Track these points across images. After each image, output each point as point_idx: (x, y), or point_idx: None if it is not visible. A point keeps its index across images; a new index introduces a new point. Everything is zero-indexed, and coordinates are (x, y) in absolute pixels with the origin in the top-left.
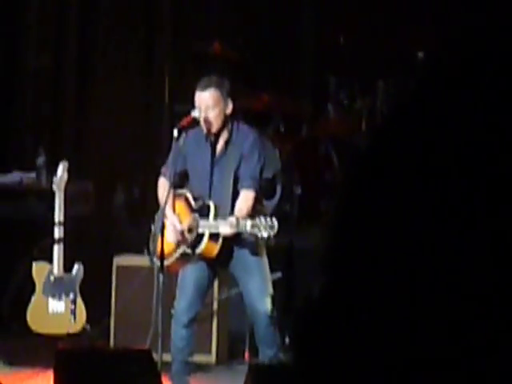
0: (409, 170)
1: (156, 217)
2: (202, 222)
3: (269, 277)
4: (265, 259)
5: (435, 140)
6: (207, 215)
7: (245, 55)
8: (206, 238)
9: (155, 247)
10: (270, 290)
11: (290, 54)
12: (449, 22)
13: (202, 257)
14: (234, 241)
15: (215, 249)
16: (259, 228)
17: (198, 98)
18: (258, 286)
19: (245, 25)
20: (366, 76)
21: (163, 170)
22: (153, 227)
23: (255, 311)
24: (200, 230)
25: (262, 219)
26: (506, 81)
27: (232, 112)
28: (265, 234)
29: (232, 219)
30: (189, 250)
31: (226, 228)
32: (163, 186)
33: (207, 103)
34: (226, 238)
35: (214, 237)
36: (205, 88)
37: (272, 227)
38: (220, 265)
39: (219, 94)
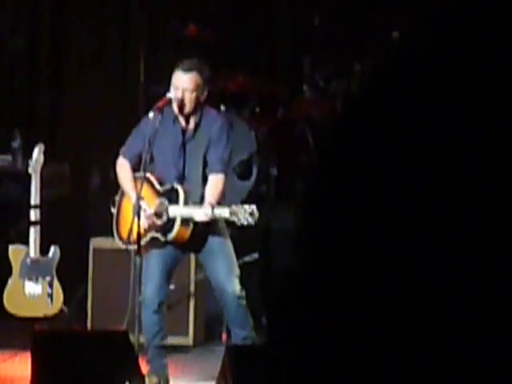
0: (382, 151)
1: (116, 198)
2: (173, 208)
3: (234, 258)
4: (228, 241)
5: (409, 121)
6: (176, 200)
7: (220, 37)
8: (177, 224)
9: (119, 230)
10: (237, 271)
11: (265, 35)
12: (424, 2)
13: (173, 242)
14: (206, 226)
15: (186, 234)
16: (238, 216)
17: (177, 78)
18: (225, 268)
19: (220, 6)
20: (341, 57)
21: (122, 150)
22: (114, 210)
23: (224, 293)
24: (170, 215)
25: (240, 206)
26: (482, 60)
27: (206, 98)
28: (244, 222)
29: (207, 205)
30: (159, 235)
31: (200, 214)
32: (124, 167)
33: (186, 85)
34: (196, 223)
35: (185, 222)
36: (187, 70)
37: (252, 214)
38: (186, 249)
39: (200, 79)
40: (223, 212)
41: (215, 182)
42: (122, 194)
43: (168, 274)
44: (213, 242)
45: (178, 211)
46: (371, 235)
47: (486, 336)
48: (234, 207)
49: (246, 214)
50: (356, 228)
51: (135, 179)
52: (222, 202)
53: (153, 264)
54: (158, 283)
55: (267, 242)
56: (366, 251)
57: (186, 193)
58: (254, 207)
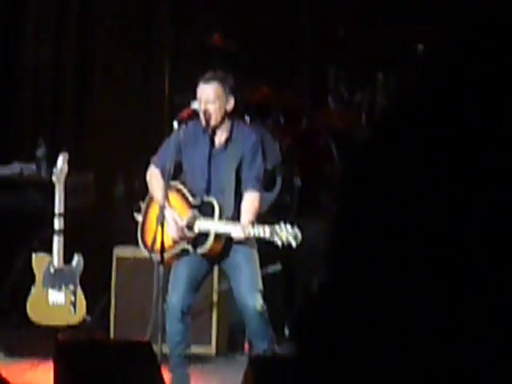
0: (409, 165)
1: (142, 206)
2: (207, 222)
3: (259, 272)
4: (255, 255)
5: (436, 135)
6: (210, 214)
7: (244, 47)
8: (211, 238)
9: (145, 239)
10: (260, 285)
11: (290, 45)
12: (449, 15)
13: (206, 255)
14: (237, 241)
15: (219, 248)
16: (279, 236)
17: (200, 90)
18: (247, 283)
19: (245, 16)
20: (366, 68)
21: (154, 159)
22: (139, 217)
23: (245, 307)
24: (203, 229)
25: (283, 226)
26: (508, 75)
27: (233, 109)
28: (285, 243)
29: (246, 225)
30: (188, 246)
31: (237, 231)
32: (154, 175)
33: (208, 96)
34: (229, 238)
35: (218, 237)
36: (208, 81)
37: (295, 237)
38: (213, 261)
39: (221, 89)
40: (263, 231)
41: (251, 200)
42: (149, 201)
43: (195, 285)
44: (239, 255)
45: (212, 226)
46: (400, 250)
47: (489, 337)
48: (276, 227)
49: (288, 235)
50: (385, 242)
51: (167, 189)
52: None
53: (180, 273)
54: (183, 292)
55: (290, 253)
56: (394, 266)
57: (221, 208)
58: (296, 230)
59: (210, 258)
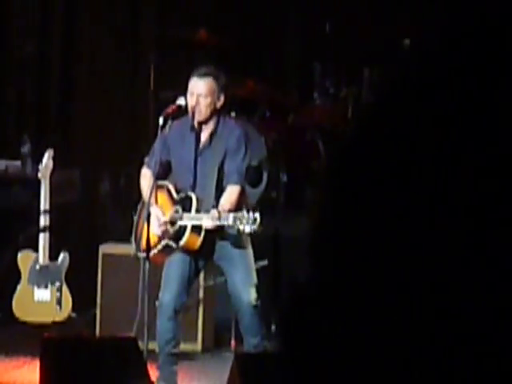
0: (394, 159)
1: (138, 207)
2: (185, 215)
3: (253, 267)
4: (249, 250)
5: (422, 129)
6: (190, 208)
7: (230, 42)
8: (188, 231)
9: (137, 238)
10: (255, 279)
11: (276, 41)
12: (436, 10)
13: (185, 249)
14: (218, 234)
15: (197, 241)
16: (241, 222)
17: (192, 84)
18: (242, 277)
19: (230, 12)
20: (351, 64)
21: (146, 160)
22: (135, 218)
23: (239, 301)
24: (182, 223)
25: (245, 213)
26: (494, 69)
27: (222, 106)
28: (247, 229)
29: (214, 212)
30: (171, 243)
31: (208, 221)
32: (146, 176)
33: (201, 91)
34: (208, 231)
35: (196, 229)
36: (203, 76)
37: (254, 221)
38: (205, 257)
39: (215, 85)
40: (228, 218)
41: (230, 192)
42: (143, 202)
43: (186, 283)
44: (233, 250)
45: (188, 218)
46: (385, 243)
47: (488, 337)
48: (238, 214)
49: (249, 220)
50: (370, 236)
51: (157, 187)
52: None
53: (172, 271)
54: (176, 291)
55: (277, 249)
56: (379, 259)
57: (198, 201)
58: (257, 215)
59: (197, 254)
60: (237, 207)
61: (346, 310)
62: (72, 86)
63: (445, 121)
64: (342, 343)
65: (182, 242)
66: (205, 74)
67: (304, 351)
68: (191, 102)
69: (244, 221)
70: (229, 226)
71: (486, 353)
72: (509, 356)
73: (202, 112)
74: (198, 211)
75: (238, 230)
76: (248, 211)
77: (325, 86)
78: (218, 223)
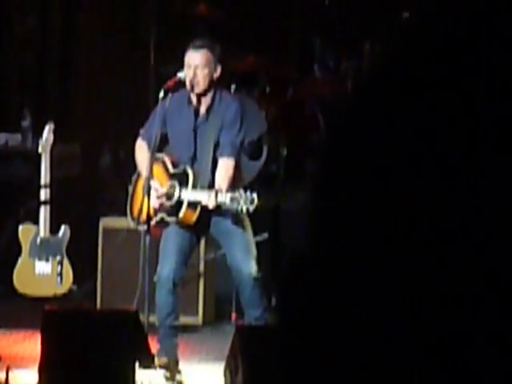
0: (393, 132)
1: (133, 178)
2: (181, 191)
3: (251, 239)
4: (247, 222)
5: (421, 102)
6: (186, 183)
7: (230, 17)
8: (184, 206)
9: (133, 209)
10: (254, 252)
11: (275, 15)
12: None
13: (180, 223)
14: (216, 209)
15: (193, 216)
16: (238, 201)
17: (189, 56)
18: (242, 249)
19: None
20: (351, 37)
21: (142, 131)
22: (130, 189)
23: (240, 274)
24: (179, 198)
25: (242, 193)
26: (497, 42)
27: (219, 77)
28: (244, 208)
29: (211, 192)
30: (167, 217)
31: (205, 199)
32: (141, 148)
33: (198, 62)
34: (205, 207)
35: (192, 205)
36: (198, 48)
37: (252, 201)
38: (201, 231)
39: (211, 56)
40: (225, 198)
41: (225, 167)
42: (138, 173)
43: (185, 256)
44: (231, 223)
45: (185, 194)
46: (383, 215)
47: (488, 337)
48: (236, 193)
49: (247, 200)
50: (367, 208)
51: (153, 160)
52: (231, 186)
53: (170, 244)
54: (174, 263)
55: (277, 222)
56: (377, 230)
57: (195, 176)
58: (255, 195)
59: (194, 227)
60: (233, 183)
61: (345, 281)
62: (72, 60)
63: (445, 94)
64: (341, 314)
65: (178, 217)
66: (200, 46)
67: (303, 324)
68: (189, 74)
69: (241, 201)
70: (226, 205)
71: (480, 350)
72: (505, 356)
73: (200, 83)
74: (194, 186)
75: (236, 209)
76: (246, 191)
77: (325, 60)
78: (215, 203)
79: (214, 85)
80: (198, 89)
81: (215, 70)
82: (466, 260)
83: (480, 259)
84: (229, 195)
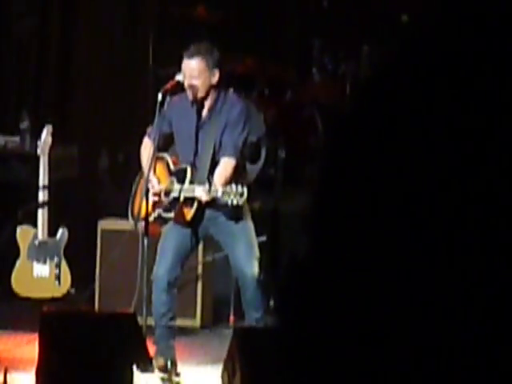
0: (392, 133)
1: (137, 177)
2: (178, 186)
3: (255, 240)
4: (250, 223)
5: (418, 104)
6: (184, 179)
7: (229, 19)
8: (180, 201)
9: (133, 207)
10: (257, 253)
11: (274, 17)
12: None
13: (178, 221)
14: (215, 207)
15: (190, 213)
16: (229, 195)
17: (184, 64)
18: (245, 250)
19: None
20: (350, 40)
21: (148, 130)
22: (133, 188)
23: (243, 275)
24: (175, 194)
25: (233, 186)
26: (493, 45)
27: (219, 81)
28: (234, 202)
29: (206, 185)
30: (164, 213)
31: (199, 192)
32: (146, 146)
33: (192, 72)
34: (201, 204)
35: (188, 201)
36: (191, 56)
37: (241, 195)
38: (201, 231)
39: (205, 64)
40: (217, 192)
41: (224, 166)
42: (142, 173)
43: (182, 256)
44: (233, 224)
45: (181, 189)
46: (383, 218)
47: (487, 337)
48: (227, 187)
49: (236, 194)
50: (368, 211)
51: (157, 159)
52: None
53: (168, 244)
54: (170, 263)
55: (275, 225)
56: (377, 234)
57: (193, 173)
58: (245, 188)
59: (195, 228)
60: (230, 182)
61: (344, 283)
62: (70, 63)
63: (442, 97)
64: (340, 318)
65: (173, 213)
66: (193, 55)
67: (302, 326)
68: (186, 82)
69: (232, 195)
70: (218, 199)
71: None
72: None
73: (198, 90)
74: (191, 183)
75: (227, 203)
76: (236, 184)
77: (323, 63)
78: (208, 196)
79: (213, 88)
80: (198, 95)
81: (212, 75)
82: (464, 262)
83: (479, 262)
84: (220, 189)
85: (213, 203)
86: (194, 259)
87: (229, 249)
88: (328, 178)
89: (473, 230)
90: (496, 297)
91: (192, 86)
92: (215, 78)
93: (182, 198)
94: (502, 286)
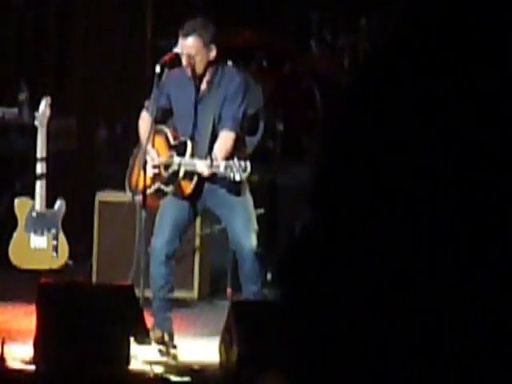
0: (391, 106)
1: (135, 150)
2: (178, 159)
3: (253, 213)
4: (248, 196)
5: (418, 78)
6: (184, 153)
7: None
8: (181, 175)
9: (131, 180)
10: (255, 226)
11: None
12: None
13: (177, 194)
14: (214, 180)
15: (189, 186)
16: (232, 170)
17: (180, 43)
18: (243, 223)
19: None
20: (349, 13)
21: (146, 104)
22: (131, 161)
23: (241, 247)
24: (176, 167)
25: (236, 162)
26: (492, 22)
27: (216, 56)
28: (237, 177)
29: (207, 160)
30: (163, 187)
31: (200, 167)
32: (144, 119)
33: (188, 51)
34: (201, 177)
35: (188, 175)
36: (187, 35)
37: (245, 170)
38: (199, 204)
39: (200, 42)
40: (219, 166)
41: (225, 139)
42: (140, 145)
43: (180, 229)
44: (231, 197)
45: (182, 163)
46: (383, 191)
47: (487, 336)
48: (229, 162)
49: (239, 169)
50: (368, 185)
51: (155, 132)
52: (230, 157)
53: (166, 216)
54: (168, 236)
55: (273, 197)
56: (378, 206)
57: (193, 147)
58: (248, 163)
59: (193, 200)
60: (230, 155)
61: (343, 259)
62: (69, 34)
63: (442, 70)
64: (338, 291)
65: (172, 186)
66: (188, 34)
67: (301, 300)
68: (183, 60)
69: (234, 169)
70: (220, 173)
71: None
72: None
73: (195, 67)
74: (192, 156)
75: (229, 177)
76: (239, 159)
77: (322, 35)
78: (209, 170)
79: (211, 63)
80: (196, 72)
81: (208, 52)
82: (464, 260)
83: (480, 262)
84: (223, 163)
85: (212, 177)
86: (191, 232)
87: (227, 221)
88: (329, 152)
89: (475, 233)
90: (496, 296)
91: (190, 64)
92: (212, 54)
93: (181, 172)
94: (502, 285)
